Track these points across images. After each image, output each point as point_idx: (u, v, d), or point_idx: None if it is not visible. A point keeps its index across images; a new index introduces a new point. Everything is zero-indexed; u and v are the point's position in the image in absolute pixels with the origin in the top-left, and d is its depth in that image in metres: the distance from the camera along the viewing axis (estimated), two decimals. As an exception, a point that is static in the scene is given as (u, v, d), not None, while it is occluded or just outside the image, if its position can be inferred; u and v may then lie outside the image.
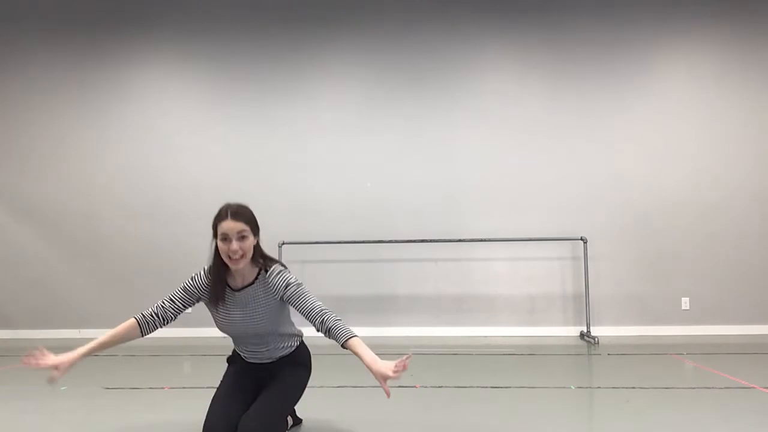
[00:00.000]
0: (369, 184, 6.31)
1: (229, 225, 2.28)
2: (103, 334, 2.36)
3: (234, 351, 2.56)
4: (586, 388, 3.58)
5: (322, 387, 3.55)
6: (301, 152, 6.39)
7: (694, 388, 3.50)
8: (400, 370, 2.00)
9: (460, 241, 6.00)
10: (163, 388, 3.50)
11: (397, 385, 3.62)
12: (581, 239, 5.88)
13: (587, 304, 5.80)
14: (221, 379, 2.53)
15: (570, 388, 3.51)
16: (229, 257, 2.27)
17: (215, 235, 2.32)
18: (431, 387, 3.56)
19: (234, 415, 2.23)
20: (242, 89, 6.47)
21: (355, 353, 2.23)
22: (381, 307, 6.16)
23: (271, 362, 2.47)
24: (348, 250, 6.20)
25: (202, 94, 6.50)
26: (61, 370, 2.13)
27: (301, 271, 6.26)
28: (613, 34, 6.26)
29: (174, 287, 2.42)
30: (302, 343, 2.64)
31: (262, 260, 2.38)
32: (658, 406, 3.03)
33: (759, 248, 6.00)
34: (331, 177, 6.34)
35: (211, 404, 2.34)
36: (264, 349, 2.44)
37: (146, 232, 6.38)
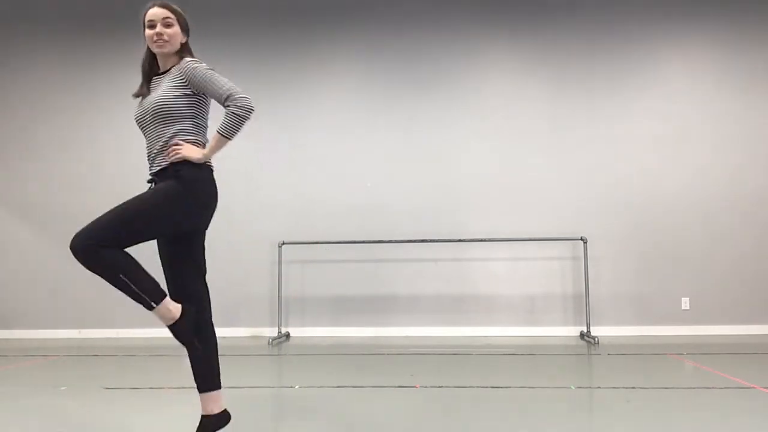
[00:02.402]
0: (369, 184, 6.31)
1: (154, 11, 2.36)
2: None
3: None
4: (586, 388, 3.58)
5: (321, 387, 3.55)
6: (301, 152, 6.39)
7: (694, 388, 3.50)
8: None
9: (460, 241, 6.00)
10: (163, 388, 3.50)
11: (397, 385, 3.62)
12: (581, 239, 5.88)
13: (587, 304, 5.80)
14: None
15: (570, 388, 3.51)
16: (156, 42, 2.32)
17: (144, 29, 2.39)
18: (431, 387, 3.56)
19: None
20: (242, 89, 6.46)
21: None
22: (381, 307, 6.16)
23: (158, 170, 2.25)
24: (348, 250, 6.20)
25: (202, 94, 6.50)
26: None
27: (301, 271, 6.26)
28: (613, 35, 6.26)
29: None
30: (204, 169, 2.35)
31: (187, 55, 2.39)
32: (658, 406, 3.03)
33: (759, 248, 6.00)
34: (331, 177, 6.34)
35: None
36: (154, 147, 2.28)
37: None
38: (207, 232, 2.42)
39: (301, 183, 6.35)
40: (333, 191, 6.32)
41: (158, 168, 2.24)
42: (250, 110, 2.33)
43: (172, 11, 2.37)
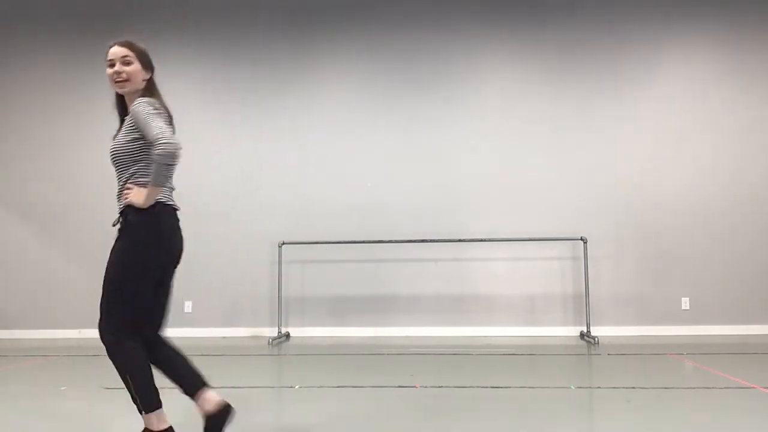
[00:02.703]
0: (369, 184, 6.31)
1: (114, 50, 2.32)
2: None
3: None
4: (586, 388, 3.58)
5: (321, 387, 3.55)
6: (301, 152, 6.39)
7: (694, 388, 3.49)
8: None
9: (460, 241, 6.00)
10: (163, 388, 3.50)
11: (397, 385, 3.62)
12: (581, 239, 5.88)
13: (587, 304, 5.80)
14: None
15: (570, 388, 3.51)
16: (115, 81, 2.31)
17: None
18: (431, 387, 3.56)
19: None
20: (242, 89, 6.47)
21: None
22: (381, 307, 6.16)
23: (121, 213, 2.28)
24: (348, 250, 6.20)
25: (201, 94, 6.50)
26: None
27: (301, 271, 6.26)
28: (614, 35, 6.26)
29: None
30: (148, 211, 2.24)
31: (147, 95, 2.34)
32: (658, 406, 3.03)
33: (759, 248, 6.00)
34: (331, 177, 6.34)
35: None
36: (118, 187, 2.32)
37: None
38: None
39: (301, 183, 6.35)
40: (333, 191, 6.32)
41: (119, 210, 2.30)
42: (171, 157, 2.12)
43: (132, 49, 2.34)
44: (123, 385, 2.24)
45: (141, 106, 2.21)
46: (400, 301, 6.18)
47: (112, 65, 2.31)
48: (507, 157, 6.24)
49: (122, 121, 2.38)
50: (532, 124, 6.25)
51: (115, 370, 2.27)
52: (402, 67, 6.39)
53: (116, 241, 2.28)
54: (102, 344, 2.29)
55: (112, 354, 2.26)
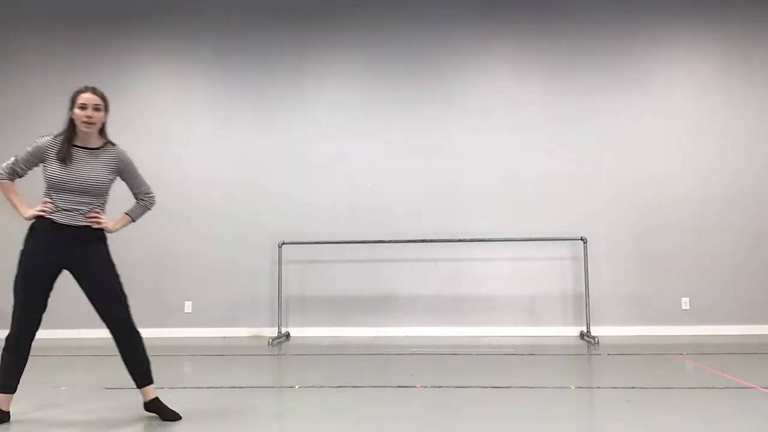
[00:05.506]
0: (369, 184, 6.31)
1: (89, 96, 2.82)
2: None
3: (38, 222, 2.90)
4: (586, 388, 3.58)
5: (322, 387, 3.55)
6: (300, 152, 6.39)
7: (694, 388, 3.49)
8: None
9: (460, 241, 6.00)
10: (163, 387, 3.50)
11: (397, 384, 3.62)
12: (581, 239, 5.88)
13: (587, 304, 5.80)
14: (26, 261, 2.94)
15: (570, 388, 3.51)
16: (84, 122, 2.79)
17: (73, 105, 2.83)
18: (431, 387, 3.56)
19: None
20: (242, 89, 6.47)
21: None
22: (381, 307, 6.16)
23: (78, 226, 2.82)
24: (348, 250, 6.20)
25: (202, 94, 6.50)
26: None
27: (301, 271, 6.26)
28: (613, 34, 6.26)
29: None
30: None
31: (105, 135, 2.95)
32: (658, 406, 3.03)
33: (759, 248, 6.00)
34: (331, 177, 6.34)
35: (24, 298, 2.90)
36: (85, 208, 2.83)
37: (145, 232, 6.37)
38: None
39: (301, 183, 6.35)
40: (333, 191, 6.31)
41: (80, 224, 2.82)
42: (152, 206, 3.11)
43: (103, 98, 2.86)
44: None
45: (130, 157, 2.96)
46: (400, 301, 6.18)
47: (84, 108, 2.80)
48: (507, 158, 6.24)
49: (69, 147, 2.83)
50: (533, 124, 6.25)
51: (137, 359, 2.88)
52: (402, 67, 6.39)
53: (98, 249, 2.88)
54: (136, 333, 2.88)
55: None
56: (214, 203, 6.29)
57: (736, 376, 3.76)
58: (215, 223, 6.23)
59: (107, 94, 2.92)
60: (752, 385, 3.49)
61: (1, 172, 2.90)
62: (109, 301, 2.85)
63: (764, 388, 3.42)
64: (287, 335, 6.07)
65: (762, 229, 6.02)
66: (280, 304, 6.01)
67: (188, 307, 6.21)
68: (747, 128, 6.11)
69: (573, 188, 6.16)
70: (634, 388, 3.47)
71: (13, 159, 2.91)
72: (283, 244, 6.06)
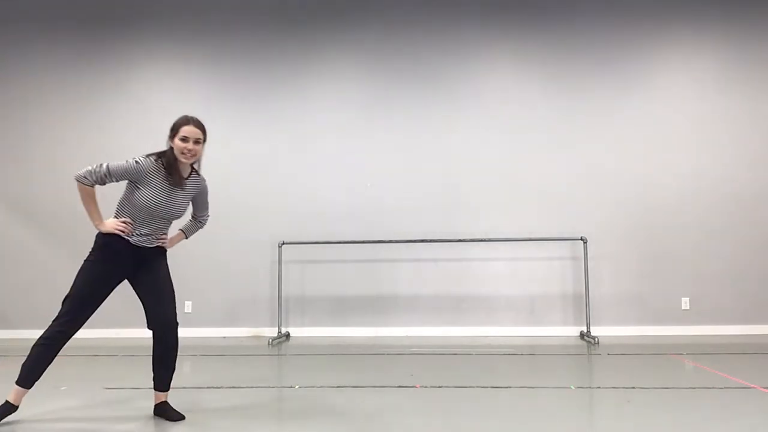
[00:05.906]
0: (369, 184, 6.31)
1: (192, 129, 2.89)
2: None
3: (112, 239, 2.87)
4: (586, 388, 3.58)
5: (322, 387, 3.55)
6: (301, 152, 6.39)
7: (694, 388, 3.50)
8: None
9: (460, 241, 6.00)
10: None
11: (397, 384, 3.62)
12: (581, 239, 5.88)
13: (587, 304, 5.80)
14: (99, 272, 2.89)
15: (570, 388, 3.51)
16: (184, 153, 2.84)
17: (174, 135, 2.86)
18: (431, 387, 3.56)
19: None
20: (242, 89, 6.47)
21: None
22: (381, 307, 6.16)
23: (151, 247, 2.95)
24: (348, 250, 6.20)
25: (202, 93, 6.49)
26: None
27: (301, 271, 6.26)
28: (613, 34, 6.26)
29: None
30: None
31: (197, 167, 3.12)
32: (658, 406, 3.03)
33: (759, 248, 6.00)
34: (331, 177, 6.34)
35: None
36: (161, 233, 2.97)
37: (146, 232, 6.39)
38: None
39: (301, 183, 6.35)
40: (333, 191, 6.31)
41: (155, 245, 2.98)
42: None
43: (204, 132, 2.97)
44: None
45: (207, 187, 3.20)
46: (400, 301, 6.18)
47: (186, 141, 2.85)
48: (507, 158, 6.24)
49: (180, 178, 2.92)
50: (532, 124, 6.25)
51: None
52: (403, 67, 6.39)
53: (162, 262, 3.03)
54: (177, 336, 2.92)
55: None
56: (214, 203, 6.26)
57: (736, 376, 3.76)
58: (215, 223, 6.21)
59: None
60: (752, 385, 3.49)
61: (88, 177, 2.86)
62: (166, 302, 2.91)
63: (764, 388, 3.43)
64: (287, 335, 6.07)
65: (762, 229, 6.02)
66: (280, 304, 6.01)
67: (188, 306, 6.21)
68: (747, 128, 6.11)
69: (573, 188, 6.16)
70: (634, 388, 3.47)
71: (101, 166, 2.85)
72: (283, 244, 6.06)
